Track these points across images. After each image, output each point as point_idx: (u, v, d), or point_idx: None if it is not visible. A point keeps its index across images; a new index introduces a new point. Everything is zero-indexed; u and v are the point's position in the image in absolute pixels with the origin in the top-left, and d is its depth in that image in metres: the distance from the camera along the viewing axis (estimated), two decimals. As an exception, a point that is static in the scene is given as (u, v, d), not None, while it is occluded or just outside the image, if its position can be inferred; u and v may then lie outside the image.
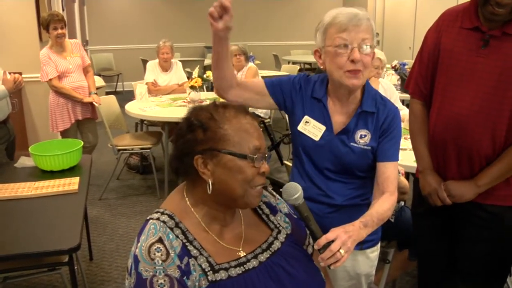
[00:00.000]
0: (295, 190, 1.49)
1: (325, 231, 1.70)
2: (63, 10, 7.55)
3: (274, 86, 1.93)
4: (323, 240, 1.46)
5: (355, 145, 1.82)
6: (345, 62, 1.70)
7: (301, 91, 1.91)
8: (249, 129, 1.37)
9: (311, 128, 1.87)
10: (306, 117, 1.88)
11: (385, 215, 1.74)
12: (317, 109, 1.87)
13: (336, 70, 1.74)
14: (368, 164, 1.85)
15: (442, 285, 2.36)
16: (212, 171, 1.34)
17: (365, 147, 1.82)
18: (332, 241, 1.46)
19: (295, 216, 1.63)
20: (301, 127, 1.89)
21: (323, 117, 1.85)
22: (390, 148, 1.82)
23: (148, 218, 1.36)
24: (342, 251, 1.45)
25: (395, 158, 1.84)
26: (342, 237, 1.48)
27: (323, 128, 1.85)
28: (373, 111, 1.81)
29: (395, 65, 5.89)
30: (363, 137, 1.82)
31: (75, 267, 2.45)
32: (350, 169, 1.86)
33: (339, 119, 1.85)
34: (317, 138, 1.85)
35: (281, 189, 1.61)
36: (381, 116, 1.81)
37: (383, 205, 1.75)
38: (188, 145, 1.36)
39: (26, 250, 2.12)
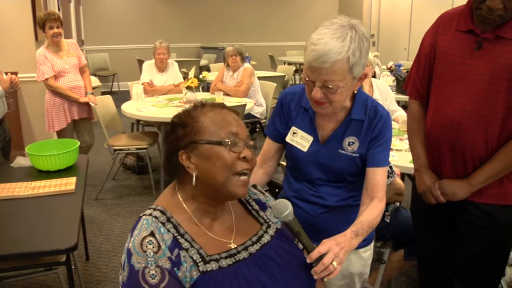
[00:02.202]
0: (285, 207, 1.47)
1: (319, 231, 1.71)
2: (59, 10, 7.54)
3: (275, 132, 1.97)
4: (315, 253, 1.46)
5: (343, 152, 1.82)
6: (310, 93, 1.70)
7: (289, 107, 1.91)
8: (225, 118, 1.44)
9: (299, 139, 1.87)
10: (293, 128, 1.89)
11: (375, 222, 1.75)
12: (305, 118, 1.87)
13: (307, 94, 1.75)
14: (358, 170, 1.86)
15: (443, 283, 2.38)
16: (195, 163, 1.39)
17: (353, 155, 1.82)
18: (324, 254, 1.46)
19: None
20: (288, 138, 1.90)
21: (311, 127, 1.85)
22: (380, 154, 1.82)
23: (141, 214, 1.41)
24: (334, 263, 1.46)
25: (385, 164, 1.84)
26: (334, 249, 1.49)
27: (311, 138, 1.85)
28: (362, 119, 1.80)
29: (391, 66, 5.91)
30: (351, 144, 1.82)
31: (72, 267, 2.45)
32: (340, 175, 1.86)
33: (328, 126, 1.84)
34: (305, 149, 1.86)
35: (268, 201, 1.63)
36: (371, 124, 1.80)
37: (372, 212, 1.75)
38: (172, 144, 1.44)
39: (23, 250, 2.13)
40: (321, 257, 1.46)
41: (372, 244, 2.06)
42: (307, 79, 1.67)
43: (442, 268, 2.36)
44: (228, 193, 1.41)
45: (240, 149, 1.40)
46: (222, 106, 1.50)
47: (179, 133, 1.42)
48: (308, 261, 1.47)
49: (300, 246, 1.59)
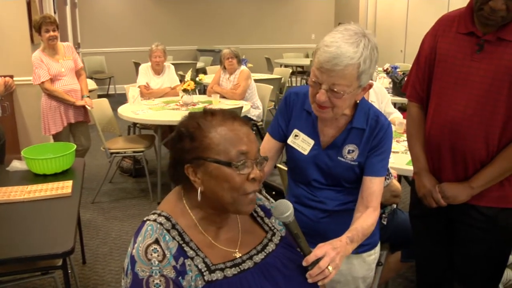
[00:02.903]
0: (286, 208, 1.48)
1: (319, 235, 1.71)
2: (54, 13, 7.53)
3: (278, 130, 1.96)
4: (312, 257, 1.47)
5: (342, 159, 1.83)
6: (314, 95, 1.70)
7: (292, 106, 1.91)
8: (236, 135, 1.37)
9: (300, 142, 1.88)
10: (295, 131, 1.89)
11: (369, 231, 1.76)
12: (307, 122, 1.87)
13: (310, 97, 1.75)
14: (356, 177, 1.86)
15: (441, 286, 2.38)
16: (201, 179, 1.36)
17: (352, 163, 1.82)
18: (321, 258, 1.47)
19: None
20: (290, 141, 1.91)
21: (313, 131, 1.86)
22: (378, 163, 1.82)
23: (145, 219, 1.38)
24: (330, 267, 1.47)
25: (382, 174, 1.84)
26: (331, 253, 1.49)
27: (312, 142, 1.86)
28: (363, 127, 1.81)
29: (387, 68, 5.93)
30: (350, 152, 1.82)
31: (69, 271, 2.44)
32: (338, 180, 1.87)
33: (329, 132, 1.85)
34: (305, 152, 1.86)
35: (272, 205, 1.62)
36: (372, 133, 1.81)
37: (367, 220, 1.76)
38: (178, 154, 1.39)
39: (19, 254, 2.12)
40: (317, 260, 1.46)
41: (377, 248, 2.06)
42: (314, 80, 1.67)
43: (441, 271, 2.36)
44: (235, 211, 1.40)
45: (249, 170, 1.36)
46: (233, 117, 1.42)
47: (186, 145, 1.37)
48: (304, 264, 1.47)
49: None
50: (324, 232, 1.84)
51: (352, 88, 1.64)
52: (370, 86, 1.72)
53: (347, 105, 1.73)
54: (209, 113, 1.41)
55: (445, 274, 2.35)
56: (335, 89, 1.62)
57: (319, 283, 1.47)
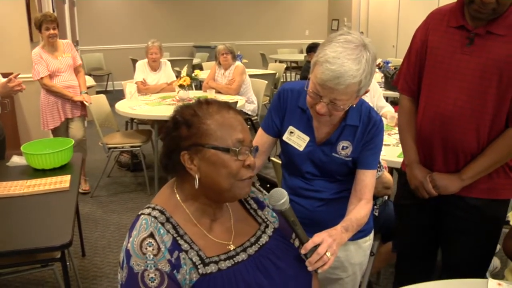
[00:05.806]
0: (281, 195, 1.50)
1: (317, 225, 1.74)
2: (53, 11, 7.56)
3: (272, 125, 1.98)
4: (310, 244, 1.49)
5: (336, 155, 1.86)
6: (313, 104, 1.73)
7: (285, 102, 1.94)
8: (232, 123, 1.40)
9: (296, 139, 1.91)
10: (290, 127, 1.92)
11: (362, 221, 1.81)
12: (302, 119, 1.90)
13: (308, 104, 1.79)
14: (349, 171, 1.91)
15: (420, 276, 2.43)
16: (198, 166, 1.37)
17: (346, 158, 1.86)
18: (318, 245, 1.50)
19: None
20: (285, 137, 1.93)
21: (308, 128, 1.89)
22: (370, 157, 1.86)
23: (139, 213, 1.39)
24: (328, 253, 1.50)
25: (374, 167, 1.89)
26: (328, 240, 1.52)
27: (307, 138, 1.89)
28: (356, 124, 1.84)
29: (379, 63, 5.94)
30: (344, 149, 1.86)
31: (67, 263, 2.47)
32: (331, 174, 1.92)
33: (323, 130, 1.88)
34: (301, 149, 1.90)
35: (266, 195, 1.65)
36: (366, 129, 1.85)
37: (360, 212, 1.81)
38: (174, 142, 1.39)
39: (19, 247, 2.17)
40: (315, 247, 1.49)
41: (371, 234, 2.10)
42: (314, 91, 1.68)
43: (424, 262, 2.40)
44: (231, 197, 1.43)
45: (245, 157, 1.39)
46: (228, 107, 1.44)
47: (182, 132, 1.37)
48: (303, 251, 1.49)
49: (294, 239, 1.61)
50: (322, 221, 1.87)
51: (351, 100, 1.69)
52: (366, 92, 1.74)
53: (340, 114, 1.78)
54: (204, 102, 1.43)
55: (429, 264, 2.39)
56: (336, 103, 1.66)
57: (319, 270, 1.49)
